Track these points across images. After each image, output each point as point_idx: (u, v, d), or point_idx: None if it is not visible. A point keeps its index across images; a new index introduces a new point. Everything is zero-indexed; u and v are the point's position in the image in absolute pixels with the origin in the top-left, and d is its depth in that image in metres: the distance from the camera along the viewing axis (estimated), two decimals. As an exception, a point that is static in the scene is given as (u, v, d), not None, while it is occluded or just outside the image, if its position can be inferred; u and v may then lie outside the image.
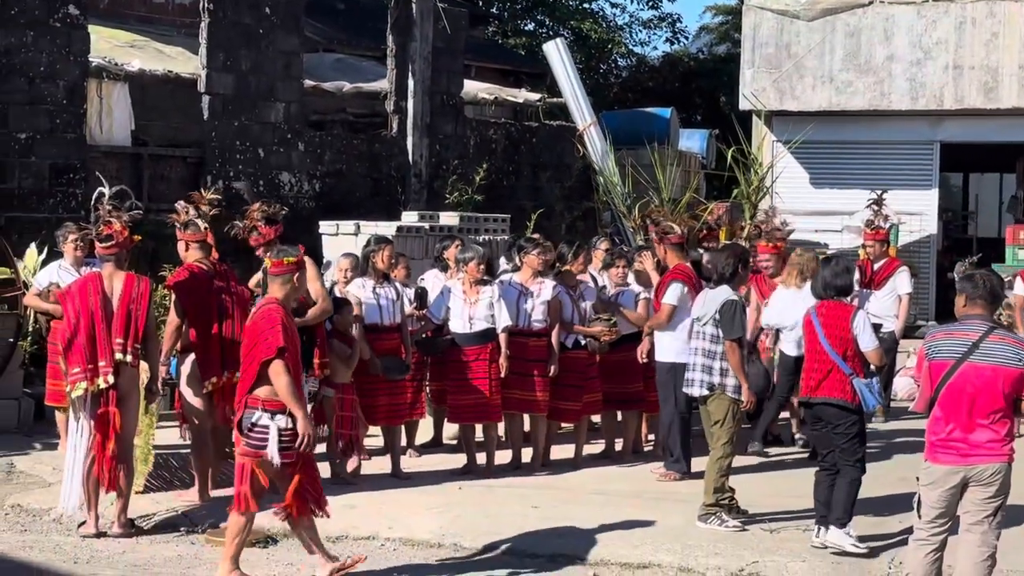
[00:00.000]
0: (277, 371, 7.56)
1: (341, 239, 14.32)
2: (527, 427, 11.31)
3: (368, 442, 11.02)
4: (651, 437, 12.09)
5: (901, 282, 13.56)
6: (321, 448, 9.71)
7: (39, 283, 11.40)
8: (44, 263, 12.55)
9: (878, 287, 13.50)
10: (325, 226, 14.79)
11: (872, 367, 8.76)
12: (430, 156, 19.48)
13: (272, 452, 7.60)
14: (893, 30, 19.90)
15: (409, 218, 15.46)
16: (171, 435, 10.84)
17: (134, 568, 8.34)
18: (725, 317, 9.35)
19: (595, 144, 20.04)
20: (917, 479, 7.29)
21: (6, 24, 14.72)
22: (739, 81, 20.95)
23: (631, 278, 11.70)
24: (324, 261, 13.21)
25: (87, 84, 15.59)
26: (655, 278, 11.41)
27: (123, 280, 9.12)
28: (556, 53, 21.01)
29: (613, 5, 37.48)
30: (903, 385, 15.07)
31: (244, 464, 7.77)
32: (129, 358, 9.01)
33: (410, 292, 11.29)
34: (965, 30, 19.51)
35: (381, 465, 10.78)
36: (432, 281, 11.74)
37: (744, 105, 20.64)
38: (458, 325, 10.83)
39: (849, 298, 9.01)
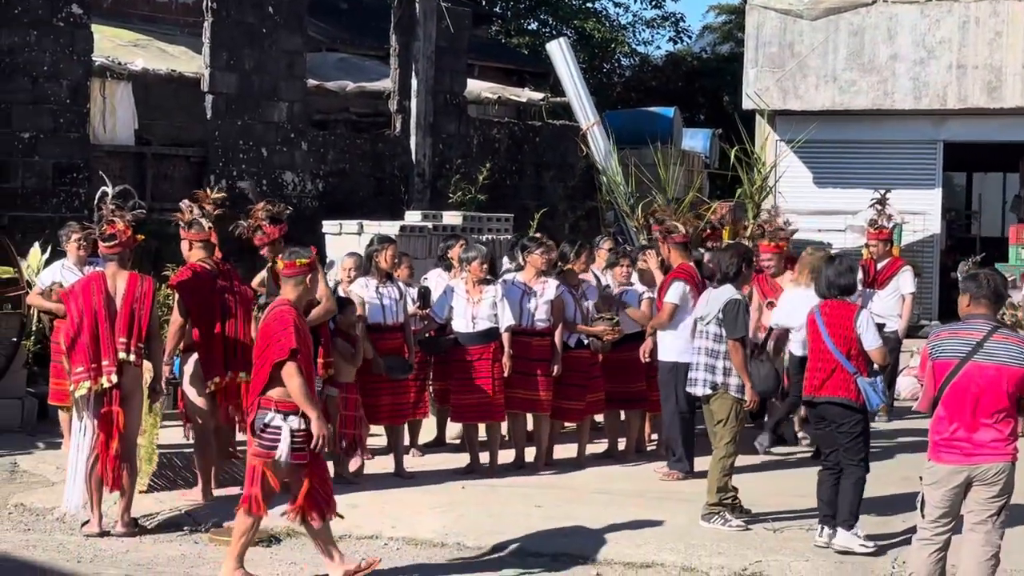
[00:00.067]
0: (290, 373, 7.57)
1: (344, 238, 14.33)
2: (530, 426, 11.31)
3: (371, 441, 11.03)
4: (654, 437, 12.09)
5: (904, 282, 13.55)
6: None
7: (42, 282, 11.41)
8: (47, 262, 12.56)
9: (881, 287, 13.48)
10: (328, 226, 14.80)
11: (876, 366, 8.76)
12: (433, 155, 19.48)
13: (283, 453, 7.60)
14: (896, 29, 19.86)
15: (412, 217, 15.46)
16: (175, 434, 10.85)
17: (137, 567, 8.34)
18: (728, 316, 9.35)
19: (598, 143, 20.01)
20: (920, 478, 7.29)
21: (9, 23, 14.73)
22: (742, 80, 20.90)
23: (634, 277, 11.70)
24: (327, 260, 13.21)
25: (90, 83, 15.59)
26: (659, 277, 11.41)
27: (126, 279, 9.13)
28: (559, 52, 20.98)
29: (616, 4, 37.50)
30: (906, 384, 15.06)
31: (256, 466, 7.77)
32: (132, 357, 9.02)
33: (413, 291, 11.29)
34: (969, 29, 19.47)
35: (384, 464, 10.78)
36: (436, 280, 11.75)
37: (747, 104, 20.60)
38: (461, 324, 10.83)
39: (853, 297, 9.01)
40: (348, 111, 20.48)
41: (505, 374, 10.74)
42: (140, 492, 9.57)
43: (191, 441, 10.11)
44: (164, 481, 10.31)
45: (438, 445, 11.93)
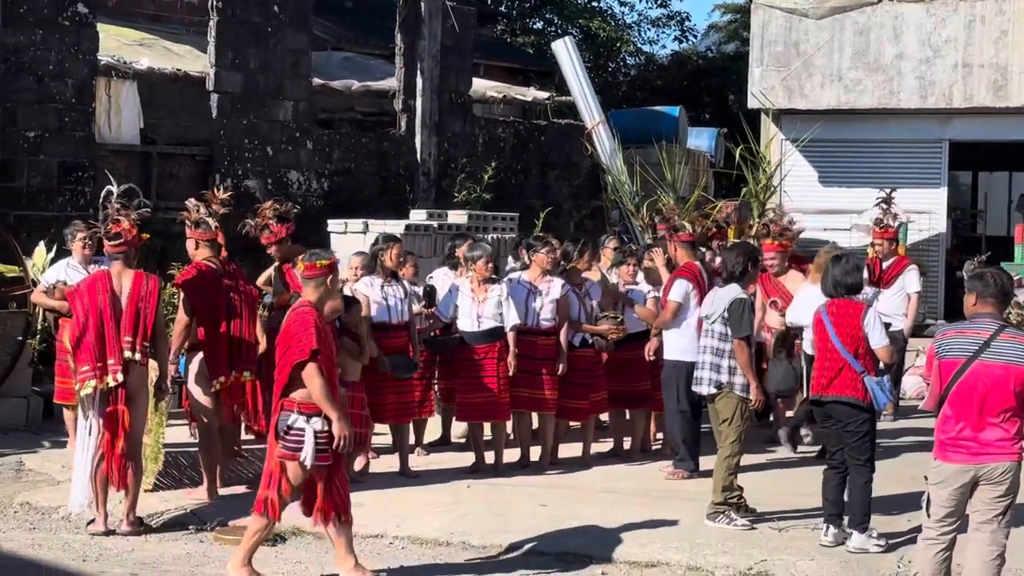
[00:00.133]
0: (311, 374, 7.58)
1: (349, 237, 14.34)
2: (535, 425, 11.31)
3: (376, 440, 11.02)
4: (659, 436, 12.08)
5: (910, 281, 13.53)
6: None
7: (46, 281, 11.41)
8: (53, 261, 12.56)
9: (887, 286, 13.46)
10: (333, 224, 14.80)
11: (881, 365, 8.75)
12: (438, 154, 19.48)
13: (308, 455, 7.61)
14: (902, 28, 19.87)
15: (417, 216, 15.47)
16: (180, 433, 10.86)
17: (143, 566, 8.34)
18: (733, 315, 9.34)
19: (603, 142, 20.03)
20: (926, 478, 7.28)
21: (15, 23, 14.75)
22: (748, 79, 20.92)
23: (640, 276, 11.69)
24: (333, 259, 13.19)
25: (96, 82, 15.61)
26: (665, 275, 11.41)
27: (132, 278, 9.12)
28: (564, 51, 21.00)
29: (622, 3, 37.51)
30: (912, 384, 15.03)
31: (274, 469, 7.77)
32: (138, 356, 9.01)
33: (418, 290, 11.29)
34: (974, 28, 19.46)
35: (389, 463, 10.78)
36: (441, 279, 11.74)
37: (753, 103, 20.61)
38: (466, 323, 10.83)
39: (867, 296, 9.00)
40: (353, 110, 20.50)
41: (510, 373, 10.73)
42: (145, 491, 9.58)
43: (196, 440, 10.12)
44: (169, 480, 10.32)
45: (443, 444, 11.93)
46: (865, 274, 11.55)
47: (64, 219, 13.57)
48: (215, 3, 16.84)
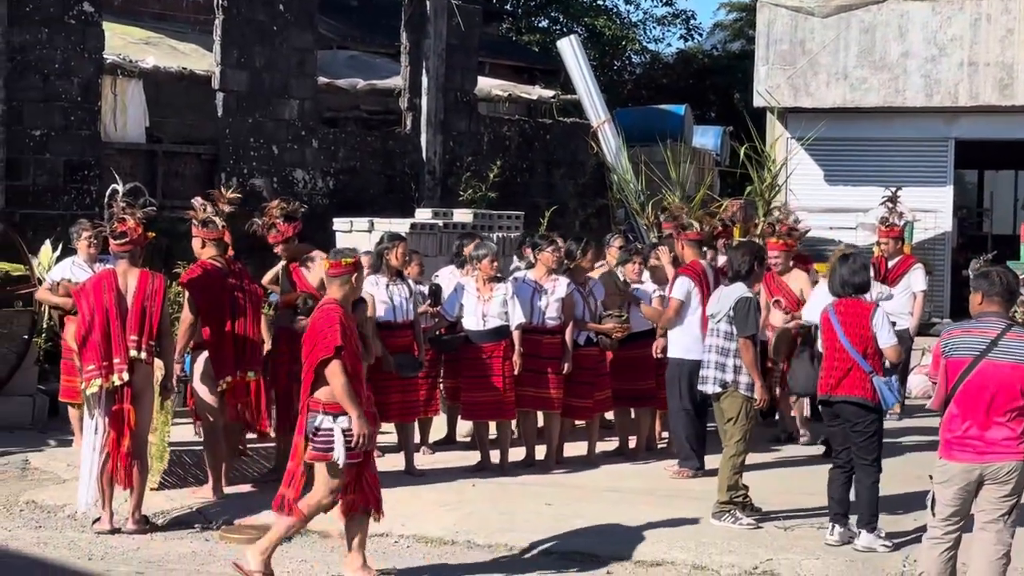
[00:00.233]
0: (334, 371, 7.59)
1: (355, 236, 14.32)
2: (540, 424, 11.31)
3: (381, 439, 11.00)
4: (664, 434, 12.07)
5: (916, 279, 13.51)
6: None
7: (52, 279, 11.42)
8: (58, 260, 12.57)
9: (892, 284, 13.44)
10: (339, 223, 14.79)
11: (887, 363, 8.74)
12: (444, 153, 19.48)
13: (340, 455, 7.61)
14: (908, 27, 19.83)
15: (423, 215, 15.46)
16: (186, 432, 10.86)
17: (148, 564, 8.35)
18: (739, 314, 9.33)
19: (609, 141, 20.02)
20: (931, 477, 7.27)
21: (21, 21, 14.76)
22: (753, 78, 20.89)
23: (646, 275, 11.69)
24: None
25: (101, 81, 15.62)
26: (671, 273, 11.40)
27: (137, 277, 9.13)
28: (570, 50, 20.99)
29: (627, 2, 37.58)
30: (917, 383, 15.03)
31: (296, 470, 7.78)
32: (144, 355, 9.02)
33: (423, 289, 11.29)
34: (980, 26, 19.43)
35: (394, 462, 10.78)
36: (447, 278, 11.74)
37: (758, 102, 20.59)
38: (472, 322, 10.83)
39: (873, 295, 8.99)
40: (359, 109, 20.50)
41: (516, 372, 10.73)
42: (151, 489, 9.58)
43: (201, 439, 10.12)
44: (175, 479, 10.32)
45: (449, 443, 11.93)
46: (871, 273, 11.55)
47: (70, 218, 13.58)
48: (221, 2, 16.84)
